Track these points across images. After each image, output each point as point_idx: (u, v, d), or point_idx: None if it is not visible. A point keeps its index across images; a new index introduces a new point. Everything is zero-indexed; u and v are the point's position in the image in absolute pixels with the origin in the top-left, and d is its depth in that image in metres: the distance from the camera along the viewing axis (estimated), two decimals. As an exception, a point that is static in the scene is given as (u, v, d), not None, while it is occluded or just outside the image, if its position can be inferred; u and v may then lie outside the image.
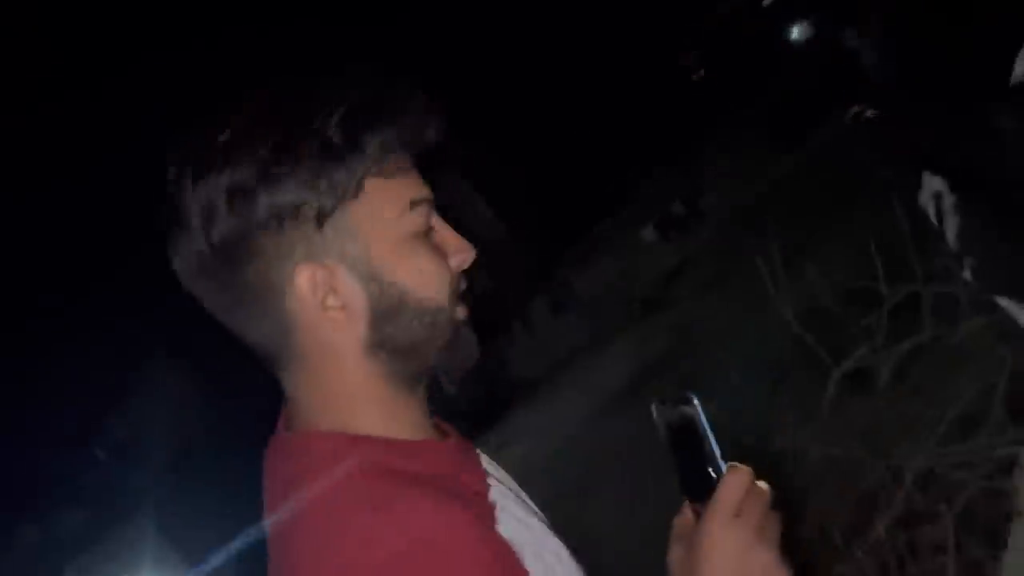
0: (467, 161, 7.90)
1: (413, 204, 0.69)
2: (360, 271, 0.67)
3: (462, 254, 0.72)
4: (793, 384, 2.97)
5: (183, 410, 9.13)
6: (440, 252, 0.71)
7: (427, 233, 0.71)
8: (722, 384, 3.22)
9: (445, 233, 0.72)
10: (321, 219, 0.65)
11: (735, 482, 0.64)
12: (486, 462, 0.81)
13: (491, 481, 0.76)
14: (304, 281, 0.66)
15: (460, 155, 7.74)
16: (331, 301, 0.67)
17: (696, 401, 0.66)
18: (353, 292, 0.68)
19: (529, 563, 0.69)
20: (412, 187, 0.70)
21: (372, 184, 0.66)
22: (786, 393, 2.85)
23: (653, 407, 0.67)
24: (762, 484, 0.65)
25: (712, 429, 0.65)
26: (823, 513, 2.24)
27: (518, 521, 0.73)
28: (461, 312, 0.72)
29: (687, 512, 0.68)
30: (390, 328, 0.69)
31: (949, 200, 2.10)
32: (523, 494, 0.84)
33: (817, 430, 2.58)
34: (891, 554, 1.93)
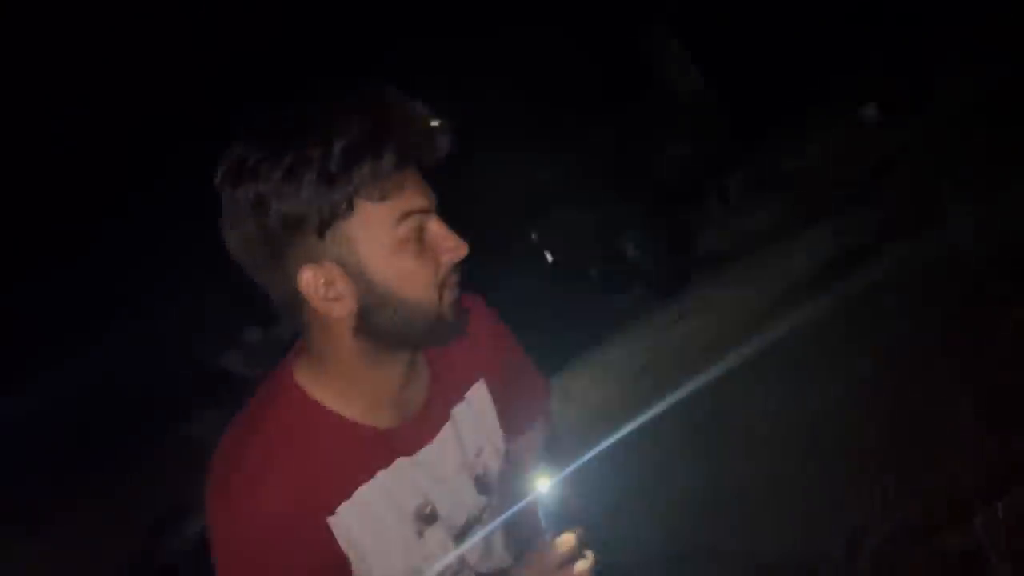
0: (678, 18, 7.46)
1: (402, 217, 0.84)
2: (352, 272, 0.85)
3: (452, 252, 0.88)
4: (964, 323, 2.72)
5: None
6: (430, 252, 0.87)
7: (419, 237, 0.86)
8: (888, 307, 2.99)
9: (439, 233, 0.88)
10: (321, 230, 0.82)
11: (552, 555, 0.86)
12: (426, 461, 0.98)
13: (382, 475, 0.94)
14: (306, 278, 0.85)
15: (672, 11, 7.32)
16: (328, 294, 0.86)
17: (542, 489, 0.88)
18: (346, 288, 0.86)
19: (352, 554, 0.91)
20: (403, 202, 0.84)
21: (364, 204, 0.82)
22: (953, 335, 2.59)
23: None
24: (583, 561, 0.85)
25: (554, 511, 0.87)
26: (953, 475, 2.10)
27: (367, 519, 0.92)
28: (447, 300, 0.89)
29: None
30: (376, 318, 0.87)
31: None
32: (449, 493, 1.00)
33: (973, 376, 2.37)
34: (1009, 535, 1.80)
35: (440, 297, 0.88)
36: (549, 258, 6.52)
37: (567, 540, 0.83)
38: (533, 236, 6.92)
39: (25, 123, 5.06)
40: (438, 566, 0.97)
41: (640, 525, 4.80)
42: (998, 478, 2.08)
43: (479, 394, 1.05)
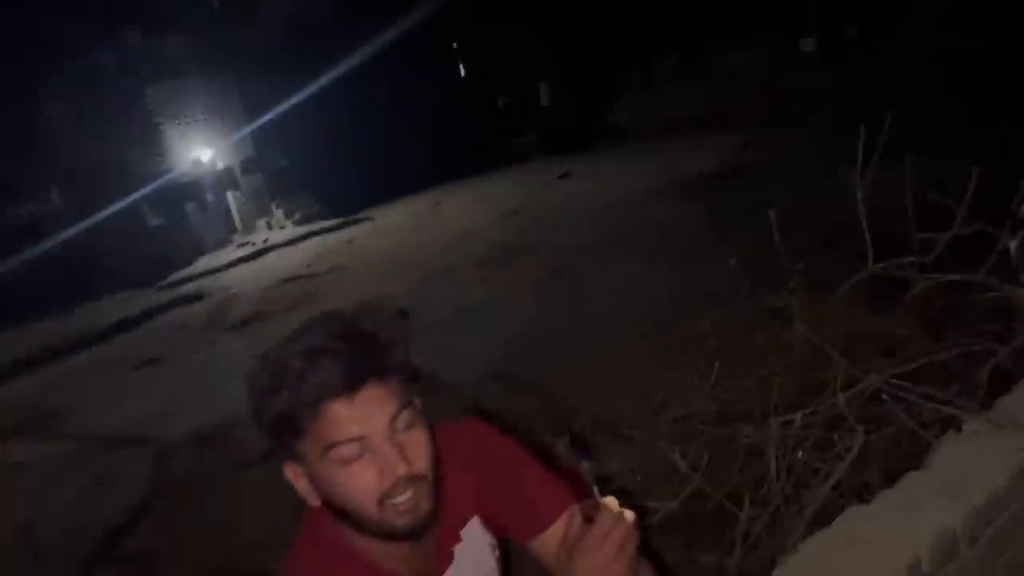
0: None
1: (329, 447, 0.98)
2: (313, 481, 1.03)
3: (390, 477, 0.99)
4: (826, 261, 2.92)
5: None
6: (373, 469, 0.99)
7: (360, 456, 0.99)
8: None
9: (382, 454, 0.99)
10: (290, 444, 1.02)
11: (604, 518, 0.95)
12: None
13: None
14: (286, 472, 1.05)
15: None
16: (304, 489, 1.05)
17: (587, 465, 0.99)
18: (312, 492, 1.05)
19: None
20: (334, 432, 0.98)
21: (310, 429, 0.99)
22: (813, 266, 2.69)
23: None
24: (628, 513, 0.96)
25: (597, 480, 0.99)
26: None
27: None
28: (390, 512, 1.00)
29: (577, 515, 1.00)
30: (339, 516, 1.04)
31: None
32: None
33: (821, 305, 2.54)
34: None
35: (381, 509, 1.00)
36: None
37: (613, 500, 0.95)
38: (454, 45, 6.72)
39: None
40: None
41: (471, 347, 5.02)
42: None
43: (475, 532, 1.18)
